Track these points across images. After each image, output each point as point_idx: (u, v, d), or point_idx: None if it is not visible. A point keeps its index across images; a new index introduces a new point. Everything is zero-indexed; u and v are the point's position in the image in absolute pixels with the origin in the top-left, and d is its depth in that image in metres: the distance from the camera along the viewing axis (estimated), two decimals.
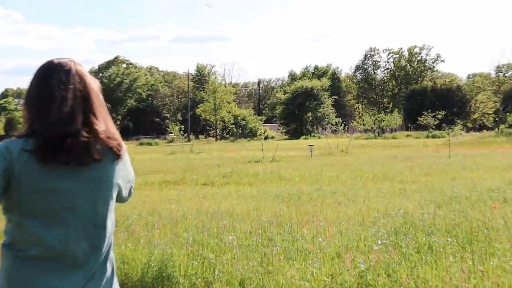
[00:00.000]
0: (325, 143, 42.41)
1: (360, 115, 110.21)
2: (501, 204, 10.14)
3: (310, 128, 77.04)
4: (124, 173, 2.34)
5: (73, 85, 2.21)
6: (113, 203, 2.30)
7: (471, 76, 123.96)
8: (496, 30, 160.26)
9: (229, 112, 77.58)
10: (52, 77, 2.20)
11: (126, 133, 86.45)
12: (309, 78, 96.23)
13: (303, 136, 70.88)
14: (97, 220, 2.23)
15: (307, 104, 78.24)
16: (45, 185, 2.12)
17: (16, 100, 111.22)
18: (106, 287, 2.27)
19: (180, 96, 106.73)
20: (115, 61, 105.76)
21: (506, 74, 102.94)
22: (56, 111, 2.13)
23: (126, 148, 2.35)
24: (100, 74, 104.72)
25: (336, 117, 67.82)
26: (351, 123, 74.93)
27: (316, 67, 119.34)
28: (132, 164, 2.47)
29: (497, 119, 58.81)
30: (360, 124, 69.74)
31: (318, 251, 6.13)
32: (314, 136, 71.64)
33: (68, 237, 2.17)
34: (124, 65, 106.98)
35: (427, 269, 5.31)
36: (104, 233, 2.25)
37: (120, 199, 2.40)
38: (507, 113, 61.01)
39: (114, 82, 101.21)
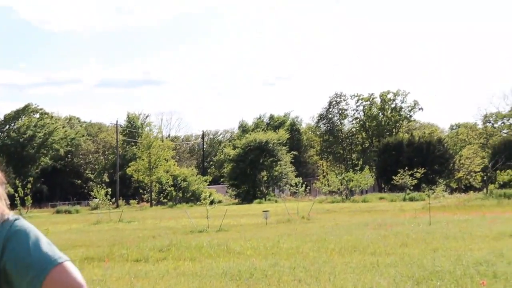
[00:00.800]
0: (282, 208, 42.51)
1: (325, 174, 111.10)
2: (490, 281, 10.41)
3: (265, 190, 77.33)
4: (11, 255, 2.14)
5: None
6: None
7: (454, 127, 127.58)
8: (482, 74, 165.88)
9: (167, 172, 77.24)
10: None
11: (39, 199, 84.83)
12: (263, 129, 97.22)
13: (257, 200, 71.01)
14: None
15: (261, 161, 78.73)
16: None
17: None
18: None
19: (107, 153, 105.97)
20: (25, 110, 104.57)
21: (495, 125, 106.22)
22: None
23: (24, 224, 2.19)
24: (7, 126, 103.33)
25: (296, 176, 68.39)
26: (314, 184, 75.57)
27: (271, 117, 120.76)
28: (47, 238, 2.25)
29: (485, 178, 60.22)
30: (325, 185, 70.42)
31: None
32: (269, 199, 71.91)
33: None
34: (37, 115, 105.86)
35: None
36: None
37: None
38: (497, 171, 62.66)
39: (24, 136, 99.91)
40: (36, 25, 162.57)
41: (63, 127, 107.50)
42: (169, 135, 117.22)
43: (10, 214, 2.20)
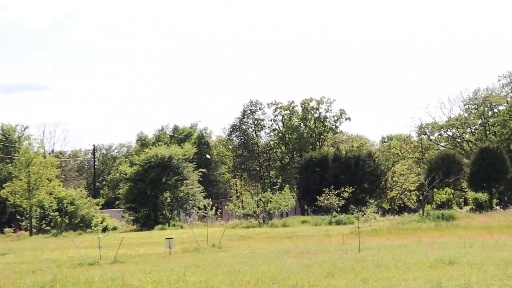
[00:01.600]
0: (189, 235, 42.42)
1: (238, 194, 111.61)
2: None
3: (168, 214, 76.84)
4: None
5: None
6: None
7: (386, 140, 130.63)
8: (417, 80, 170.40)
9: (51, 194, 75.76)
10: None
11: None
12: (166, 143, 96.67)
13: (159, 226, 70.45)
14: None
15: (163, 180, 78.23)
16: None
17: None
18: None
19: None
20: None
21: (431, 137, 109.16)
22: None
23: None
24: None
25: (205, 198, 68.28)
26: (226, 206, 75.71)
27: (176, 128, 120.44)
28: None
29: (421, 197, 61.74)
30: (239, 207, 70.61)
31: None
32: (174, 225, 71.47)
33: None
34: None
35: None
36: None
37: None
38: (434, 189, 64.34)
39: None
40: None
41: None
42: (53, 150, 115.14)
43: None
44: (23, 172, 76.39)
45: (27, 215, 77.28)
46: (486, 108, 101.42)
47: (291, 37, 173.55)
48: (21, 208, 77.45)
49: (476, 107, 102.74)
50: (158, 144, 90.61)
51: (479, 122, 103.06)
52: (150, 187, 76.99)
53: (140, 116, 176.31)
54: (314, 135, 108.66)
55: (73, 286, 17.67)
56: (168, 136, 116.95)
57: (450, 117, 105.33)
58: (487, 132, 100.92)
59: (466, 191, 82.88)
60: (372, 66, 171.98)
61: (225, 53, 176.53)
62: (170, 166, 78.83)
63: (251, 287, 15.91)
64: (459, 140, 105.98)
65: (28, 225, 76.80)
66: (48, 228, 72.09)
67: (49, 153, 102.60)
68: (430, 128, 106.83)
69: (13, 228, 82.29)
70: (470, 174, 79.04)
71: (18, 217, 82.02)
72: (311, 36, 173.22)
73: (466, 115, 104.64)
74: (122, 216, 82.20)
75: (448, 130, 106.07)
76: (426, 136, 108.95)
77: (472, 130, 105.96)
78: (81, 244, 35.95)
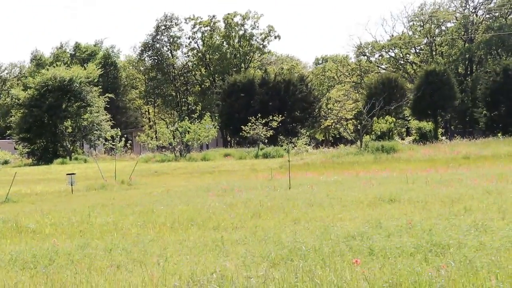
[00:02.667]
0: (95, 171, 42.16)
1: (152, 123, 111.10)
2: (365, 258, 10.81)
3: (69, 146, 76.29)
4: None
5: None
6: None
7: (320, 62, 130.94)
8: None
9: None
10: None
11: None
12: (66, 64, 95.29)
13: (59, 160, 69.89)
14: None
15: (64, 106, 77.39)
16: None
17: None
18: None
19: None
20: None
21: (372, 58, 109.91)
22: None
23: None
24: None
25: (112, 127, 67.92)
26: (137, 137, 75.40)
27: (77, 46, 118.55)
28: None
29: (359, 127, 62.38)
30: (152, 139, 70.44)
31: None
32: (77, 159, 71.04)
33: None
34: None
35: None
36: None
37: None
38: (374, 118, 65.02)
39: None
40: None
41: None
42: None
43: None
44: None
45: None
46: (432, 25, 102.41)
47: None
48: None
49: (422, 24, 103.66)
50: (57, 65, 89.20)
51: (425, 41, 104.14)
52: (48, 114, 76.06)
53: (35, 31, 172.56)
54: (238, 55, 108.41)
55: None
56: (69, 55, 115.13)
57: (392, 36, 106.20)
58: (434, 53, 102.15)
59: (409, 119, 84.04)
60: None
61: None
62: (71, 90, 77.90)
63: (167, 230, 15.90)
64: (402, 62, 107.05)
65: None
66: None
67: None
68: (370, 48, 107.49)
69: None
70: (413, 100, 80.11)
71: None
72: None
73: (410, 33, 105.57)
74: (15, 148, 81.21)
75: (390, 50, 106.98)
76: (366, 57, 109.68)
77: (417, 51, 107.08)
78: None
